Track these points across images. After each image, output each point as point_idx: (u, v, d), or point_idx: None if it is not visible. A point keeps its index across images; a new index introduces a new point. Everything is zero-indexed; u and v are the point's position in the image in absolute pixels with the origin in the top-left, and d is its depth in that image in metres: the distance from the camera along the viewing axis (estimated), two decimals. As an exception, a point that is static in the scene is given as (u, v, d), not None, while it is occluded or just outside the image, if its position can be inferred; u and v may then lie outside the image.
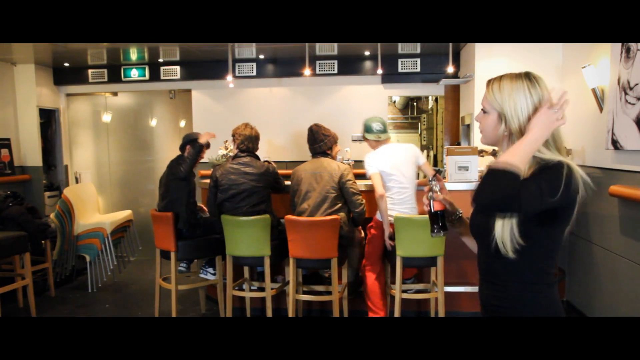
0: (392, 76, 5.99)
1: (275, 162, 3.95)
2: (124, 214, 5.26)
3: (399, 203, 3.46)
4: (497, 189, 1.21)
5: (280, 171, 3.86)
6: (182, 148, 3.92)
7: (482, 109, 1.43)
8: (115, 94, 6.64)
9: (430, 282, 3.67)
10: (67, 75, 6.33)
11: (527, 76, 1.35)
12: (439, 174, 1.64)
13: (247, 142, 3.60)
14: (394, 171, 3.45)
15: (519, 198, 1.19)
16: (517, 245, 1.28)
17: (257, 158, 3.65)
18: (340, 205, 3.44)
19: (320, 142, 3.57)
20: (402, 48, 5.68)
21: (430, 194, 1.51)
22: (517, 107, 1.33)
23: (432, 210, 1.51)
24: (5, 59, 5.71)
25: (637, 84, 2.81)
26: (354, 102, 6.10)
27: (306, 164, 3.56)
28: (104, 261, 4.93)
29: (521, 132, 1.32)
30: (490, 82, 1.39)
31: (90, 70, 6.31)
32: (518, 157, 1.24)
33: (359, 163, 5.49)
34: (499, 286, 1.37)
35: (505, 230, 1.28)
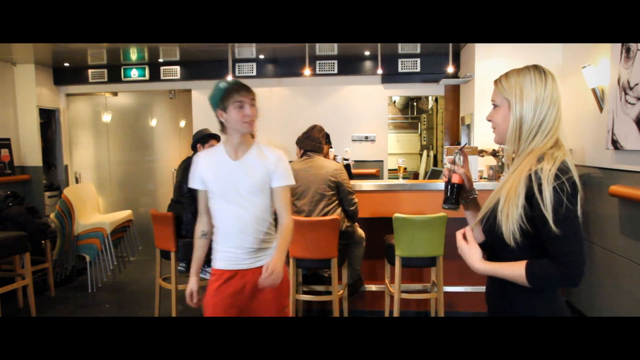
0: (392, 76, 5.99)
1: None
2: (124, 214, 5.27)
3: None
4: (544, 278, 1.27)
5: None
6: (194, 147, 3.93)
7: (492, 104, 1.43)
8: (115, 94, 6.64)
9: (430, 282, 3.67)
10: (67, 75, 6.33)
11: (535, 67, 1.37)
12: (464, 146, 1.62)
13: None
14: None
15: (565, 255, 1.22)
16: (519, 237, 1.29)
17: None
18: (336, 202, 3.43)
19: (320, 141, 3.57)
20: (402, 48, 5.68)
21: (452, 165, 1.50)
22: (522, 92, 1.34)
23: (451, 182, 1.50)
24: (5, 59, 5.71)
25: (637, 84, 2.81)
26: (354, 102, 6.10)
27: (296, 163, 3.45)
28: (104, 261, 4.93)
29: (521, 122, 1.33)
30: (498, 78, 1.42)
31: (90, 70, 6.31)
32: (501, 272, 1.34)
33: (359, 163, 5.50)
34: (505, 284, 1.37)
35: (510, 223, 1.29)
